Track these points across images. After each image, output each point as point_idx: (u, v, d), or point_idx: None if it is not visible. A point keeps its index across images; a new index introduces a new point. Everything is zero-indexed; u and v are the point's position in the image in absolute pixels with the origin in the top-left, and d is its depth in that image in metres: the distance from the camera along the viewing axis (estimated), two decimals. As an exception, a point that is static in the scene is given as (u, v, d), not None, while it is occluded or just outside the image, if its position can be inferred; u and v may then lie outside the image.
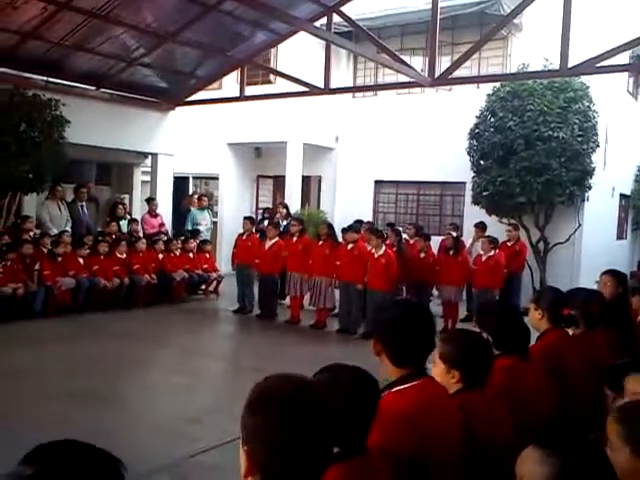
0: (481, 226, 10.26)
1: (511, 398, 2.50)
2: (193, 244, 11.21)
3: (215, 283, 11.59)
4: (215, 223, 14.14)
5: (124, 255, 10.08)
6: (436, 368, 2.34)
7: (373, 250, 8.63)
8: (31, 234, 9.57)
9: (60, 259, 9.24)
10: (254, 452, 1.28)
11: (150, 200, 12.01)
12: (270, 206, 14.17)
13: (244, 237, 10.16)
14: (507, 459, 2.26)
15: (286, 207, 11.56)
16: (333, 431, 1.34)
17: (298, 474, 1.27)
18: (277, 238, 9.79)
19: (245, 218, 10.57)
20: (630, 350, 3.56)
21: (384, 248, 8.61)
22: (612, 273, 4.57)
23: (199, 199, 12.55)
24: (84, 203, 10.73)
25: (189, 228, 11.94)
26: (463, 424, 2.11)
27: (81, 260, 9.54)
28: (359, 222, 10.08)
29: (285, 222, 10.82)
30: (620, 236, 14.65)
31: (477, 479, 2.15)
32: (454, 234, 10.20)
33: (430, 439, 1.93)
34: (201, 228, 11.88)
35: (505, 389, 2.51)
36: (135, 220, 11.46)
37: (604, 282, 4.48)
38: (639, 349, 3.74)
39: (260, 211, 14.43)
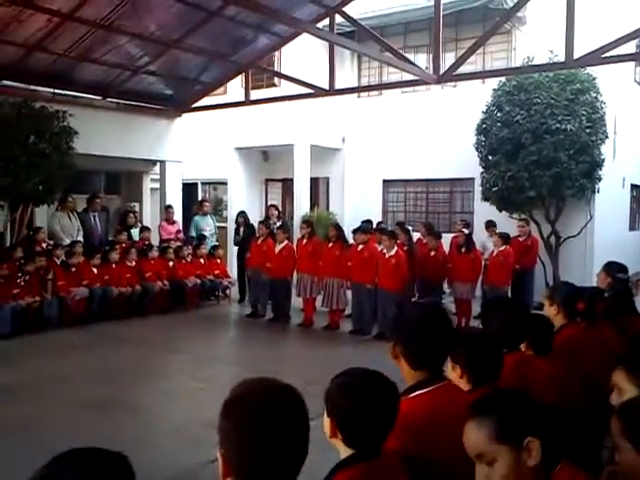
0: (491, 224, 10.21)
1: None
2: (204, 250, 11.24)
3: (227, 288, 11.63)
4: (225, 228, 14.18)
5: (134, 263, 10.13)
6: (449, 364, 2.35)
7: (384, 250, 8.61)
8: (43, 245, 9.64)
9: (74, 269, 9.30)
10: (228, 455, 1.31)
11: (167, 208, 12.11)
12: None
13: (259, 242, 10.17)
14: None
15: (277, 209, 11.69)
16: (306, 433, 1.35)
17: (270, 476, 1.30)
18: (286, 241, 9.82)
19: (260, 222, 10.60)
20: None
21: (396, 248, 8.59)
22: (603, 267, 4.71)
23: (200, 205, 12.54)
24: (96, 213, 10.77)
25: (193, 234, 11.95)
26: None
27: (94, 270, 9.59)
28: (368, 222, 10.07)
29: (278, 224, 10.96)
30: (632, 227, 14.52)
31: None
32: (466, 231, 10.13)
33: (447, 445, 1.91)
34: (205, 234, 11.90)
35: (512, 386, 2.48)
36: (147, 228, 11.51)
37: (599, 277, 4.61)
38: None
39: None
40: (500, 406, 1.54)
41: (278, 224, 10.93)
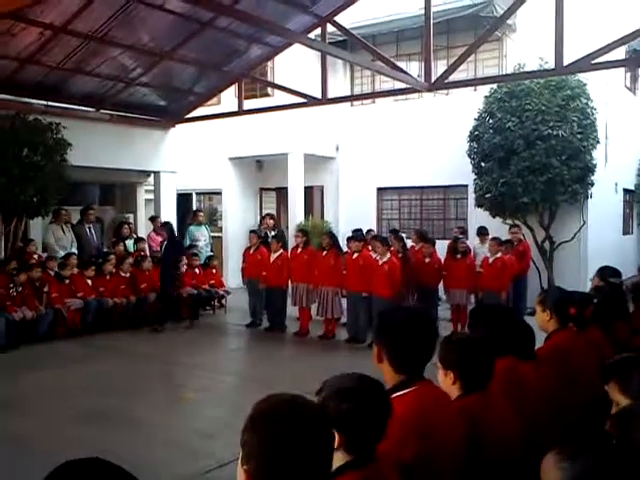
0: (483, 231, 10.23)
1: (510, 400, 2.48)
2: (197, 260, 11.21)
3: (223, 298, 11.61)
4: (220, 238, 14.17)
5: (128, 274, 10.11)
6: (440, 372, 2.36)
7: (377, 257, 8.63)
8: (35, 257, 9.62)
9: (67, 281, 9.28)
10: (253, 470, 1.31)
11: (154, 218, 12.06)
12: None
13: (252, 251, 10.18)
14: (512, 461, 2.26)
15: (273, 218, 11.68)
16: (331, 449, 1.37)
17: None
18: (281, 250, 9.83)
19: (251, 232, 10.60)
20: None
21: (389, 255, 8.60)
22: (597, 271, 4.78)
23: (195, 215, 12.50)
24: (91, 225, 10.74)
25: (187, 244, 11.91)
26: (464, 427, 2.10)
27: (89, 281, 9.57)
28: (358, 231, 10.07)
29: (273, 232, 10.99)
30: (626, 231, 14.60)
31: None
32: (462, 237, 10.12)
33: (430, 444, 1.92)
34: (200, 244, 11.84)
35: (503, 392, 2.49)
36: (142, 239, 11.49)
37: (593, 282, 4.68)
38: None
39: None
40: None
41: (273, 233, 10.94)
